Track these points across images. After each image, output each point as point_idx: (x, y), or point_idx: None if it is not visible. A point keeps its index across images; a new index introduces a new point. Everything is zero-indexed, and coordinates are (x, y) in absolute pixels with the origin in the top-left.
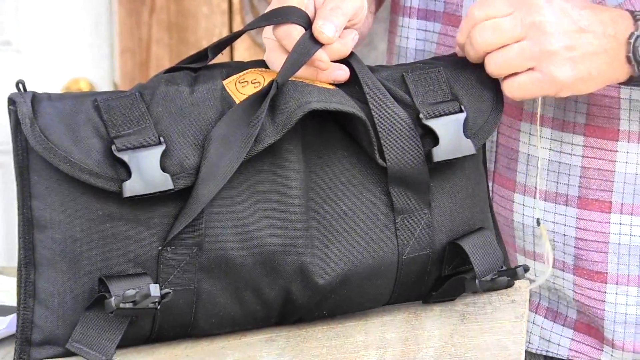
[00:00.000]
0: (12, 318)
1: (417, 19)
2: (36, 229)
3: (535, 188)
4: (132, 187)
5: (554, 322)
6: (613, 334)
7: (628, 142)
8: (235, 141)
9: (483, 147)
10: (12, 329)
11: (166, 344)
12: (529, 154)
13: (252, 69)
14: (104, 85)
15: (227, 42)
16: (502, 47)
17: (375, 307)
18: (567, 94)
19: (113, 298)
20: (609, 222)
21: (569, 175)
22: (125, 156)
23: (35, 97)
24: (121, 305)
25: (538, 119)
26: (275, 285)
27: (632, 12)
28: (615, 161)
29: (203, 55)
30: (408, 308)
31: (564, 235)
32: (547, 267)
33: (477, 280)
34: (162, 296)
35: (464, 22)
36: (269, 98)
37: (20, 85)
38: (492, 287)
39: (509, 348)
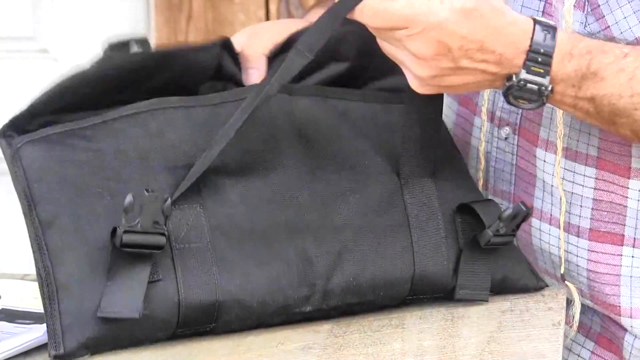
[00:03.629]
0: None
1: None
2: (46, 229)
3: (550, 215)
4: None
5: (578, 332)
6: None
7: None
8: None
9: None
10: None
11: (205, 346)
12: (544, 181)
13: None
14: None
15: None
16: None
17: (398, 275)
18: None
19: (119, 227)
20: (621, 255)
21: (581, 206)
22: None
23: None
24: (127, 228)
25: (559, 150)
26: (289, 242)
27: (529, 49)
28: (628, 197)
29: None
30: (445, 315)
31: (577, 265)
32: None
33: (487, 229)
34: (166, 217)
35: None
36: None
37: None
38: (502, 231)
39: (546, 356)
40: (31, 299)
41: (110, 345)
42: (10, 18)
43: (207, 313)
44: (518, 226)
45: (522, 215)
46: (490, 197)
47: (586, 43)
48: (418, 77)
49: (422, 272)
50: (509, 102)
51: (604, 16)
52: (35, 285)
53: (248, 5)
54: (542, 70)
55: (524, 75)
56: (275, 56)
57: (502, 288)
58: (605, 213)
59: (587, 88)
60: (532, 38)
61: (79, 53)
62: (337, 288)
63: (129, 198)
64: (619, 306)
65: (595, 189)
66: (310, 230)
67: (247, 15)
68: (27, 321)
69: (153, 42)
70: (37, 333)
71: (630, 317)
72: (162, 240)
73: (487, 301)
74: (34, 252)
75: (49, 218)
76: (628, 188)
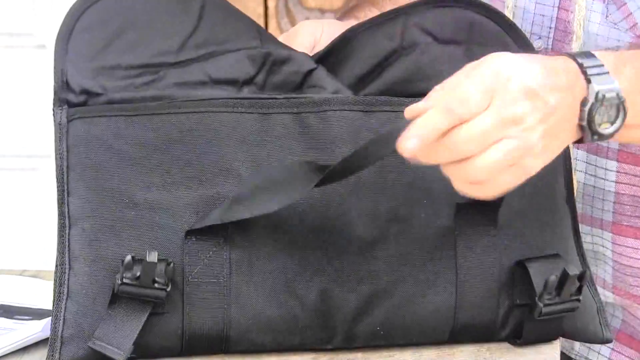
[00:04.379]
0: (47, 322)
1: None
2: (71, 226)
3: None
4: None
5: None
6: None
7: None
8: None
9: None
10: (47, 333)
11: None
12: None
13: None
14: None
15: None
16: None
17: (433, 336)
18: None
19: (118, 274)
20: None
21: (603, 200)
22: None
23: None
24: (124, 279)
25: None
26: (311, 283)
27: (581, 68)
28: None
29: None
30: None
31: (603, 254)
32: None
33: (537, 300)
34: (168, 278)
35: (434, 107)
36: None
37: None
38: (558, 307)
39: (545, 353)
40: (30, 294)
41: None
42: (9, 14)
43: (213, 340)
44: (580, 289)
45: (573, 281)
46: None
47: (623, 52)
48: (532, 148)
49: (462, 327)
50: (595, 136)
51: (625, 3)
52: (34, 281)
53: (247, 2)
54: (606, 72)
55: (595, 87)
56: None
57: (562, 337)
58: (628, 207)
59: None
60: (574, 59)
61: None
62: (362, 334)
63: (128, 258)
64: None
65: (616, 182)
66: (337, 273)
67: (246, 11)
68: (26, 317)
69: None
70: (35, 329)
71: None
72: (161, 294)
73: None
74: (58, 242)
75: (76, 215)
76: None
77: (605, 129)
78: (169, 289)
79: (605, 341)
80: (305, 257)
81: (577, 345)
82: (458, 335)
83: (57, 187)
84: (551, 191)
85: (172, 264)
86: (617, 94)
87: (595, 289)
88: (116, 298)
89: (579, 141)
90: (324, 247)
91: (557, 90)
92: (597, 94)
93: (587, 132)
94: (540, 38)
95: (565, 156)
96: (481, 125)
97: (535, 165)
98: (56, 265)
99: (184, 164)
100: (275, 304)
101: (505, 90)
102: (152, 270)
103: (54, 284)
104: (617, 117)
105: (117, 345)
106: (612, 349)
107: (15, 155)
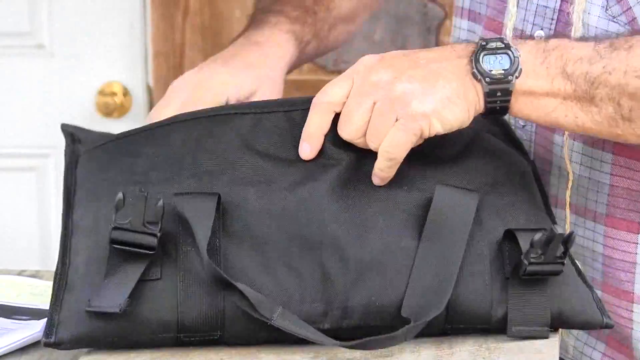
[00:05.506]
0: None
1: (468, 20)
2: (74, 232)
3: (565, 202)
4: None
5: (589, 333)
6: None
7: None
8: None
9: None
10: None
11: (200, 348)
12: (560, 167)
13: None
14: (137, 88)
15: None
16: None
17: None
18: (439, 128)
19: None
20: (637, 243)
21: (598, 192)
22: None
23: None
24: (116, 225)
25: (565, 136)
26: (306, 257)
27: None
28: None
29: None
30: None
31: (593, 251)
32: None
33: (522, 258)
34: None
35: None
36: None
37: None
38: (544, 265)
39: (543, 351)
40: (28, 295)
41: (105, 344)
42: (7, 14)
43: (209, 317)
44: (565, 253)
45: (559, 240)
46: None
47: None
48: (404, 96)
49: (455, 300)
50: (491, 81)
51: None
52: (32, 281)
53: (244, 1)
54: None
55: (480, 42)
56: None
57: (560, 323)
58: (622, 199)
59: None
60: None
61: (75, 48)
62: (358, 306)
63: (119, 195)
64: (633, 293)
65: (611, 174)
66: (332, 246)
67: (244, 11)
68: (24, 317)
69: (149, 38)
70: (34, 329)
71: None
72: (152, 241)
73: (547, 337)
74: (60, 247)
75: (78, 222)
76: None
77: (499, 72)
78: (159, 234)
79: (605, 326)
80: (299, 231)
81: (571, 349)
82: (454, 315)
83: (63, 202)
84: (522, 172)
85: (161, 201)
86: (503, 41)
87: (588, 281)
88: (109, 263)
89: (486, 112)
90: (319, 220)
91: (415, 53)
92: (480, 42)
93: (480, 77)
94: (542, 29)
95: (515, 140)
96: (349, 102)
97: (425, 106)
98: (57, 264)
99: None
100: (269, 276)
101: (360, 70)
102: (142, 203)
103: (53, 282)
104: (511, 64)
105: (111, 302)
106: (603, 353)
107: (14, 155)
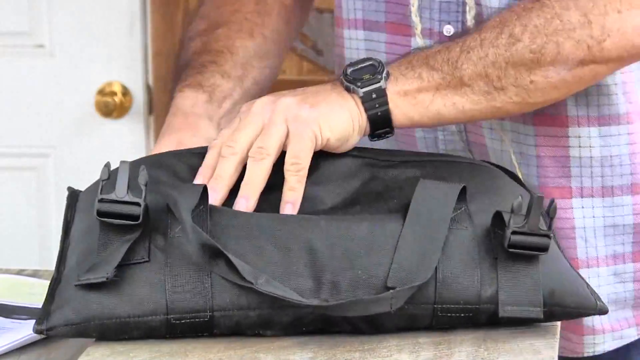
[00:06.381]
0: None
1: (364, 30)
2: (71, 241)
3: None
4: None
5: None
6: (592, 320)
7: (578, 126)
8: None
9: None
10: None
11: (199, 348)
12: (494, 148)
13: None
14: (137, 88)
15: None
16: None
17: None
18: (329, 133)
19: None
20: (572, 208)
21: (528, 165)
22: None
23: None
24: (102, 197)
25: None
26: (294, 238)
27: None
28: (569, 146)
29: None
30: None
31: None
32: None
33: (505, 230)
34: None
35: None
36: None
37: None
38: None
39: (542, 352)
40: (27, 294)
41: (95, 327)
42: (7, 14)
43: (196, 293)
44: (550, 225)
45: (540, 203)
46: None
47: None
48: (287, 106)
49: (444, 279)
50: (361, 86)
51: None
52: (31, 280)
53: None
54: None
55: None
56: None
57: (552, 305)
58: (550, 168)
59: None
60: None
61: (74, 48)
62: (346, 281)
63: (105, 167)
64: (577, 259)
65: (536, 146)
66: (318, 228)
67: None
68: (23, 316)
69: (149, 38)
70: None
71: (588, 267)
72: (136, 210)
73: (541, 319)
74: (58, 255)
75: (74, 234)
76: (568, 137)
77: (367, 76)
78: (143, 203)
79: (599, 311)
80: (285, 219)
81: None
82: (443, 293)
83: (63, 223)
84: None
85: (144, 169)
86: (371, 59)
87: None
88: (99, 244)
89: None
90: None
91: (295, 89)
92: (349, 64)
93: (352, 86)
94: (449, 23)
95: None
96: (234, 134)
97: (312, 114)
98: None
99: None
100: (257, 254)
101: (246, 109)
102: (125, 171)
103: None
104: (375, 68)
105: (99, 273)
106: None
107: (14, 154)
